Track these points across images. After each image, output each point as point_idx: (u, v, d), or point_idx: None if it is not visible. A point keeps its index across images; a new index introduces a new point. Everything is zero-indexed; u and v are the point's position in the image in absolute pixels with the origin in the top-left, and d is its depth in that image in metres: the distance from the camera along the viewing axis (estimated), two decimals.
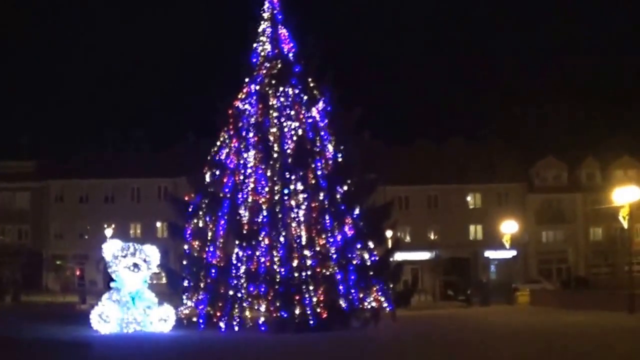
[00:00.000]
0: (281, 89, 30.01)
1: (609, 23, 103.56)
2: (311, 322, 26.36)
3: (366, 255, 28.88)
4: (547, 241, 68.99)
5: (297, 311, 26.81)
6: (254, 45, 30.98)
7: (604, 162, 68.54)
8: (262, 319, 27.25)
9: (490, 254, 65.82)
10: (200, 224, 29.46)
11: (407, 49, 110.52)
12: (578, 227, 68.98)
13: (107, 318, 25.69)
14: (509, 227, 49.37)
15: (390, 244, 33.26)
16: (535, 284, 55.22)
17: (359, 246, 28.91)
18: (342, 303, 27.54)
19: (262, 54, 30.81)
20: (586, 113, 73.09)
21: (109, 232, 55.42)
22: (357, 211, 29.38)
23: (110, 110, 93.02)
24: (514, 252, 60.29)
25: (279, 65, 30.36)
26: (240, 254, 28.09)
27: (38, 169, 67.50)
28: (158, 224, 61.29)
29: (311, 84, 30.25)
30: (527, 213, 65.80)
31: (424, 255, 62.05)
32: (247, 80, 30.61)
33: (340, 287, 27.63)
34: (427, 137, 69.97)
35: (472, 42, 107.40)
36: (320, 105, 29.97)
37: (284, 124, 29.47)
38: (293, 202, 28.47)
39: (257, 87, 30.27)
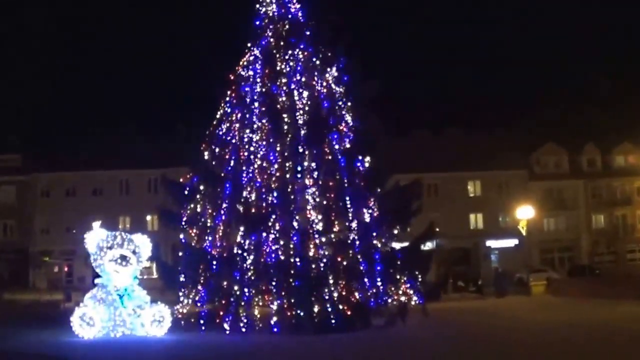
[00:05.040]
0: (290, 52, 25.20)
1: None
2: (333, 321, 21.80)
3: (393, 243, 23.96)
4: (549, 229, 65.26)
5: (315, 309, 22.25)
6: (257, 6, 26.16)
7: (604, 148, 66.28)
8: (274, 319, 22.50)
9: (491, 243, 62.44)
10: (198, 209, 25.05)
11: (403, 40, 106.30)
12: (580, 215, 65.72)
13: (91, 320, 21.49)
14: (524, 213, 44.81)
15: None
16: (541, 273, 50.99)
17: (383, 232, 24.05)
18: (368, 298, 22.64)
19: (267, 15, 25.95)
20: (586, 99, 69.70)
21: (96, 225, 50.63)
22: (380, 191, 24.47)
23: (98, 102, 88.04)
24: (515, 241, 56.44)
25: (287, 27, 25.48)
26: (246, 242, 23.57)
27: (24, 162, 63.62)
28: (148, 217, 56.90)
29: (323, 48, 25.30)
30: (528, 201, 61.46)
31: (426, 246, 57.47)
32: (250, 45, 25.75)
33: (365, 280, 22.72)
34: (425, 126, 66.49)
35: (471, 30, 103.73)
36: (335, 71, 25.03)
37: (295, 91, 24.65)
38: (307, 182, 23.91)
39: (263, 51, 25.35)
